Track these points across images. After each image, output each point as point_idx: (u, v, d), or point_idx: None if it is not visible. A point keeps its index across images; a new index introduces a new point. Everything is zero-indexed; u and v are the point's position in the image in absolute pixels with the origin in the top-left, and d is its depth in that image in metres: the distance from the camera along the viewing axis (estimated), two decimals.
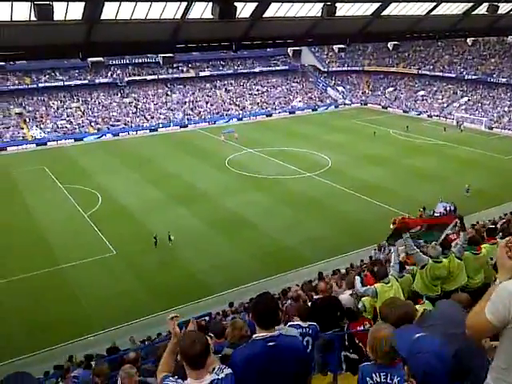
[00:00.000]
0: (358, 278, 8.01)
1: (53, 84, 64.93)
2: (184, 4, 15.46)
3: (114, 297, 23.83)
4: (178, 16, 15.99)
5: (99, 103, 66.34)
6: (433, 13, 22.08)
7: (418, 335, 2.77)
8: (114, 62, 68.39)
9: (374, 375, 3.40)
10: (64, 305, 23.19)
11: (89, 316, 22.57)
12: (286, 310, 10.09)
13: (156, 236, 28.86)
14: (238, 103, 72.26)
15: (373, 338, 3.29)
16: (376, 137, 55.34)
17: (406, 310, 3.53)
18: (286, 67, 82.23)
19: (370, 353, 3.32)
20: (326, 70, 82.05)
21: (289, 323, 6.33)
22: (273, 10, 17.76)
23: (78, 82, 66.73)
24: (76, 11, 14.02)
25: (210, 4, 14.97)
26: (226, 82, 76.57)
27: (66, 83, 65.64)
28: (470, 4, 22.28)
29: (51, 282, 25.28)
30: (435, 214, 28.51)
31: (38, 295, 23.99)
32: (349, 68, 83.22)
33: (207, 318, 16.00)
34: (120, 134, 60.46)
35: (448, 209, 30.77)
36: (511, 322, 2.38)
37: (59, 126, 60.24)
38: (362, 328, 7.38)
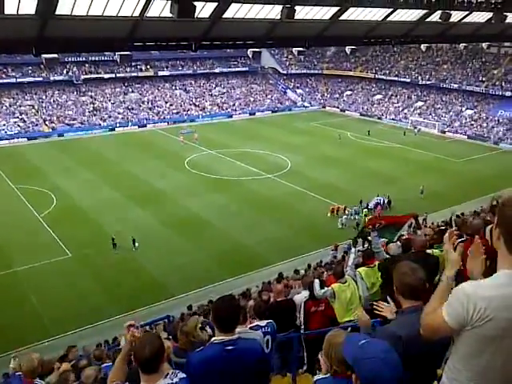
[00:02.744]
0: (317, 281, 8.06)
1: (5, 81, 62.49)
2: (143, 1, 15.20)
3: (70, 300, 23.15)
4: (137, 13, 15.70)
5: (54, 101, 64.37)
6: (389, 19, 22.62)
7: (363, 341, 2.75)
8: (69, 59, 66.46)
9: None
10: (16, 309, 22.35)
11: (43, 321, 21.81)
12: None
13: (114, 237, 28.25)
14: (197, 104, 71.79)
15: (329, 345, 3.20)
16: (340, 140, 55.98)
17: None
18: (246, 69, 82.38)
19: (325, 361, 3.24)
20: (285, 72, 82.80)
21: (248, 326, 6.30)
22: (233, 11, 17.71)
23: (32, 79, 64.55)
24: (29, 5, 13.52)
25: (169, 2, 14.76)
26: (185, 82, 75.94)
27: (18, 80, 63.36)
28: (425, 11, 22.97)
29: (3, 286, 24.28)
30: (369, 207, 33.56)
31: None
32: (308, 71, 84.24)
33: (166, 321, 15.75)
34: (76, 134, 58.82)
35: (382, 202, 34.56)
36: (468, 324, 2.38)
37: (12, 123, 58.02)
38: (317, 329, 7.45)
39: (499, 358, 2.43)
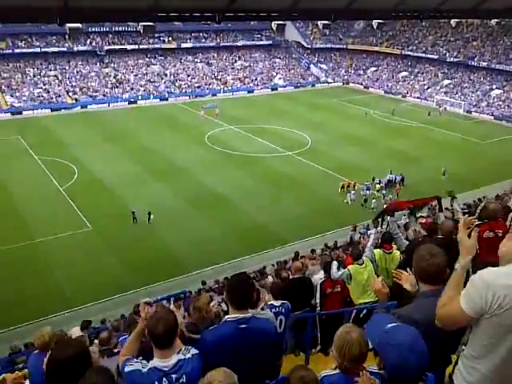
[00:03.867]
0: (334, 263, 8.00)
1: (29, 50, 62.97)
2: None
3: (90, 273, 23.60)
4: None
5: (77, 72, 64.69)
6: None
7: (390, 325, 2.69)
8: (93, 30, 66.55)
9: None
10: (38, 280, 22.91)
11: (63, 292, 22.34)
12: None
13: (134, 212, 28.56)
14: (219, 77, 71.34)
15: (343, 342, 3.11)
16: (367, 117, 55.24)
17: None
18: (270, 42, 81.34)
19: (336, 356, 3.15)
20: (309, 46, 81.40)
21: (261, 304, 6.28)
22: None
23: (56, 50, 64.88)
24: None
25: None
26: (208, 55, 75.41)
27: (43, 50, 63.77)
28: None
29: (25, 257, 24.87)
30: (381, 183, 34.11)
31: (10, 269, 23.59)
32: (332, 45, 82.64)
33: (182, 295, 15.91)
34: (98, 105, 59.18)
35: (394, 179, 34.74)
36: (487, 312, 2.36)
37: (35, 94, 58.60)
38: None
39: None
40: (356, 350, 2.82)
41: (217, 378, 2.56)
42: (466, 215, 3.00)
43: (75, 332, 10.08)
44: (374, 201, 31.40)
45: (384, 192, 33.12)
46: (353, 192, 32.67)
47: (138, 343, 3.59)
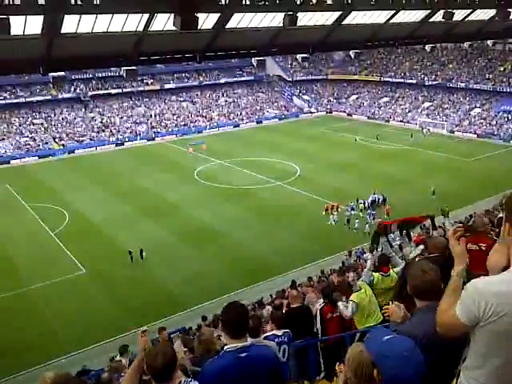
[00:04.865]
0: (341, 304, 7.86)
1: (14, 101, 63.40)
2: (146, 16, 15.36)
3: (86, 316, 23.22)
4: (140, 28, 15.89)
5: (63, 119, 65.10)
6: (392, 20, 22.63)
7: (387, 337, 2.72)
8: (76, 77, 67.39)
9: None
10: (32, 327, 22.48)
11: (59, 337, 21.91)
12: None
13: (131, 251, 28.41)
14: (204, 115, 72.17)
15: (357, 360, 3.14)
16: (356, 142, 56.16)
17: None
18: (252, 78, 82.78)
19: (351, 376, 3.16)
20: (290, 79, 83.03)
21: (263, 335, 6.26)
22: (235, 21, 17.85)
23: (41, 98, 65.39)
24: (35, 25, 13.73)
25: (172, 15, 14.90)
26: (191, 94, 76.42)
27: (27, 99, 64.20)
28: (427, 11, 22.94)
29: (18, 305, 24.46)
30: (366, 203, 35.21)
31: (4, 319, 23.07)
32: (313, 77, 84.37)
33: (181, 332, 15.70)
34: (86, 150, 59.38)
35: (377, 199, 36.00)
36: (482, 320, 2.37)
37: (22, 143, 58.74)
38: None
39: None
40: (370, 369, 2.85)
41: None
42: (454, 226, 3.07)
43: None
44: (357, 221, 32.21)
45: (371, 212, 33.68)
46: (335, 214, 33.48)
47: (137, 375, 3.54)
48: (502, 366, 2.44)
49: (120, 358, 9.77)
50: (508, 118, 60.14)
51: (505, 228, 2.46)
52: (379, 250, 9.23)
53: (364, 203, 35.32)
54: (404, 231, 9.79)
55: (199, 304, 23.61)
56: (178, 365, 3.21)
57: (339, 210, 34.35)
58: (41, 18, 13.53)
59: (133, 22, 15.59)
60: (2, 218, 36.24)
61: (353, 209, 34.45)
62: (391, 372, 2.58)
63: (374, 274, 8.19)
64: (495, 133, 58.53)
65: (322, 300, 8.27)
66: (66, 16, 13.80)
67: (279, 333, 6.05)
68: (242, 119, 72.77)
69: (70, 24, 14.35)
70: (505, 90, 62.85)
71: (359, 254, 23.45)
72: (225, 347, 3.45)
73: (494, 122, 60.53)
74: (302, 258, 27.68)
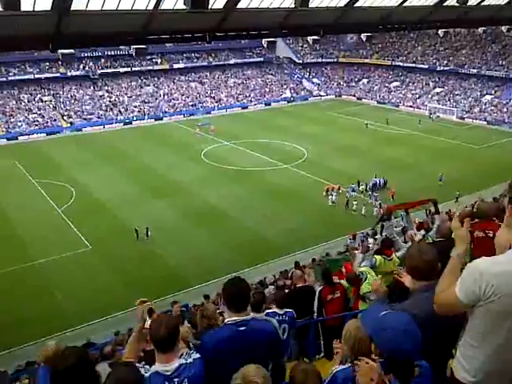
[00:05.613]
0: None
1: (23, 77, 63.30)
2: None
3: (91, 292, 23.58)
4: (151, 7, 15.76)
5: (71, 96, 65.04)
6: (405, 4, 22.29)
7: (384, 312, 2.78)
8: (85, 55, 67.16)
9: (356, 379, 3.21)
10: (39, 301, 22.83)
11: (65, 311, 22.29)
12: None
13: (137, 229, 28.66)
14: (213, 95, 71.81)
15: (354, 337, 3.22)
16: (362, 128, 55.46)
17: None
18: (261, 59, 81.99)
19: (347, 351, 3.24)
20: (300, 61, 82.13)
21: (266, 311, 6.38)
22: (246, 1, 17.66)
23: (49, 75, 65.25)
24: (45, 1, 13.68)
25: None
26: (200, 74, 75.94)
27: (36, 76, 64.11)
28: None
29: (25, 279, 24.84)
30: (367, 186, 36.02)
31: (11, 292, 23.54)
32: (323, 60, 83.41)
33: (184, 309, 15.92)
34: (93, 128, 59.43)
35: (378, 182, 36.49)
36: (482, 299, 2.43)
37: (30, 119, 58.89)
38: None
39: None
40: (368, 344, 2.92)
41: (252, 374, 2.51)
42: (464, 208, 3.08)
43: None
44: (355, 202, 32.86)
45: (373, 194, 34.42)
46: (334, 194, 34.06)
47: (139, 344, 3.60)
48: (500, 345, 2.50)
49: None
50: None
51: (508, 209, 2.50)
52: (384, 234, 9.29)
53: (366, 186, 36.10)
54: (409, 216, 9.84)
55: (203, 283, 23.86)
56: (180, 336, 3.28)
57: (340, 190, 34.94)
58: None
59: (143, 1, 15.47)
60: (10, 193, 36.60)
61: (354, 190, 35.15)
62: (388, 346, 2.65)
63: (376, 256, 8.25)
64: (506, 120, 57.85)
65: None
66: None
67: (280, 311, 6.16)
68: (251, 101, 72.34)
69: (80, 1, 14.28)
70: None
71: (362, 238, 23.49)
72: (225, 320, 3.53)
73: (505, 110, 59.77)
74: (306, 240, 27.79)
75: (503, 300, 2.38)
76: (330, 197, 33.99)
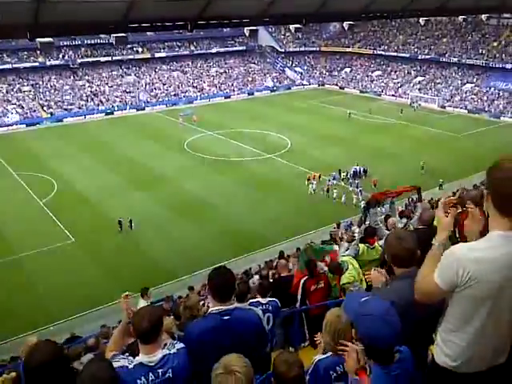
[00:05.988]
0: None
1: (1, 67, 61.97)
2: None
3: (74, 285, 23.37)
4: None
5: (51, 86, 63.90)
6: None
7: (364, 298, 2.82)
8: (65, 43, 65.90)
9: (337, 368, 3.32)
10: (21, 295, 22.59)
11: (48, 306, 22.08)
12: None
13: (120, 220, 28.45)
14: (195, 85, 71.23)
15: (335, 325, 3.24)
16: (345, 117, 55.61)
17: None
18: (244, 48, 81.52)
19: (329, 340, 3.27)
20: (283, 50, 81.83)
21: (249, 301, 6.38)
22: None
23: (28, 65, 63.99)
24: None
25: None
26: (182, 64, 75.23)
27: (14, 66, 62.81)
28: None
29: (7, 273, 24.50)
30: (348, 174, 36.83)
31: None
32: (306, 48, 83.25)
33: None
34: (74, 118, 58.56)
35: (359, 170, 37.25)
36: (459, 285, 2.45)
37: (9, 110, 57.73)
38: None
39: (491, 320, 2.50)
40: (348, 333, 2.95)
41: (234, 363, 2.49)
42: (450, 197, 3.12)
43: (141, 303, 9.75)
44: (335, 191, 33.46)
45: (354, 182, 35.34)
46: (314, 182, 34.61)
47: (123, 337, 3.61)
48: (478, 330, 2.53)
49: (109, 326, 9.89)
50: (499, 94, 60.15)
51: (486, 196, 2.53)
52: (367, 222, 9.33)
53: (347, 174, 36.78)
54: (393, 204, 9.91)
55: (188, 274, 23.82)
56: (163, 327, 3.29)
57: (320, 179, 35.50)
58: None
59: None
60: None
61: (334, 178, 35.81)
62: (367, 332, 2.69)
63: (359, 245, 8.29)
64: (486, 109, 58.61)
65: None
66: None
67: (263, 301, 6.16)
68: (234, 90, 71.96)
69: None
70: (497, 66, 62.66)
71: (346, 227, 23.68)
72: (209, 309, 3.53)
73: (485, 98, 60.54)
74: (290, 230, 27.90)
75: (480, 285, 2.41)
76: (310, 185, 34.46)
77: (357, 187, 34.10)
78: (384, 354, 2.75)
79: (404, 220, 9.01)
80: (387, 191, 9.83)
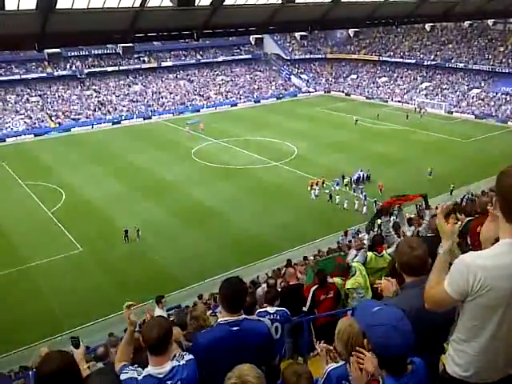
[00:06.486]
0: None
1: (9, 78, 62.63)
2: None
3: (83, 294, 23.42)
4: (137, 4, 15.64)
5: (59, 96, 64.49)
6: None
7: (376, 308, 2.79)
8: (72, 54, 66.60)
9: (350, 377, 3.16)
10: (31, 305, 22.66)
11: (57, 315, 22.12)
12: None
13: (127, 230, 28.50)
14: (202, 93, 71.59)
15: (347, 333, 3.21)
16: (351, 124, 55.53)
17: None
18: (249, 56, 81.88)
19: (342, 349, 3.24)
20: (288, 58, 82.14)
21: (257, 311, 6.34)
22: None
23: (36, 76, 64.63)
24: (29, 0, 13.51)
25: None
26: (189, 72, 75.69)
27: (23, 76, 63.45)
28: None
29: (16, 282, 24.64)
30: (351, 179, 36.76)
31: (3, 297, 23.30)
32: (311, 56, 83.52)
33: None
34: (82, 128, 58.99)
35: (362, 176, 37.23)
36: (470, 294, 2.43)
37: (18, 121, 58.27)
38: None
39: (503, 329, 2.47)
40: (361, 340, 2.92)
41: (247, 374, 2.48)
42: (445, 203, 3.12)
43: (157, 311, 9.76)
44: (337, 197, 33.35)
45: (358, 187, 35.26)
46: (317, 188, 34.70)
47: (130, 347, 3.59)
48: (490, 339, 2.50)
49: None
50: (506, 99, 59.88)
51: (494, 203, 2.50)
52: (375, 230, 9.27)
53: (350, 179, 36.72)
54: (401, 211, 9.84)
55: (195, 283, 23.80)
56: (173, 338, 3.26)
57: (324, 184, 35.69)
58: None
59: None
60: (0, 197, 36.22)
61: (338, 184, 35.81)
62: (380, 341, 2.67)
63: (368, 252, 8.24)
64: (493, 114, 58.35)
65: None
66: None
67: (271, 310, 6.12)
68: (240, 98, 72.24)
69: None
70: (504, 71, 62.43)
71: (354, 235, 23.60)
72: (218, 320, 3.53)
73: (492, 103, 60.29)
74: (298, 238, 27.81)
75: (491, 294, 2.38)
76: (312, 191, 34.54)
77: (361, 192, 34.09)
78: (397, 363, 2.72)
79: (412, 228, 8.93)
80: (396, 198, 9.73)
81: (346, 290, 7.74)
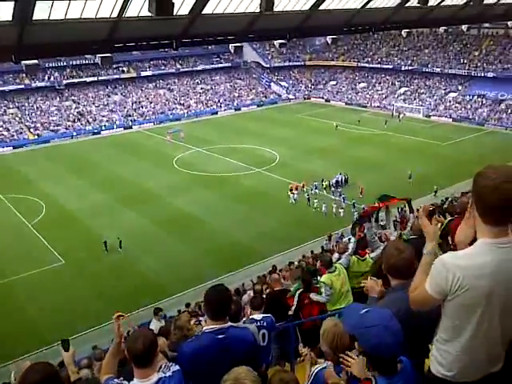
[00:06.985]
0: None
1: None
2: (120, 1, 15.07)
3: (65, 307, 23.06)
4: (115, 14, 15.57)
5: (37, 108, 63.70)
6: (368, 6, 22.65)
7: (364, 310, 2.82)
8: (50, 65, 65.71)
9: (337, 377, 3.27)
10: (12, 319, 22.19)
11: (39, 329, 21.72)
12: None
13: (106, 241, 28.17)
14: (182, 102, 71.47)
15: (332, 335, 3.24)
16: (332, 129, 55.96)
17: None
18: (229, 64, 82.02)
19: (327, 349, 3.26)
20: (268, 65, 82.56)
21: (243, 319, 6.33)
22: (212, 7, 17.64)
23: (13, 87, 63.71)
24: (5, 11, 13.36)
25: (147, 1, 14.65)
26: (169, 81, 75.51)
27: (0, 88, 62.54)
28: None
29: None
30: (330, 183, 37.42)
31: None
32: (291, 63, 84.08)
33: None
34: (61, 139, 58.30)
35: (341, 179, 37.91)
36: (449, 293, 2.46)
37: None
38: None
39: (483, 328, 2.51)
40: (346, 340, 2.95)
41: (244, 376, 2.44)
42: (425, 204, 3.17)
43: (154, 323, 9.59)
44: (315, 200, 33.91)
45: (337, 191, 36.09)
46: (295, 192, 35.05)
47: (115, 359, 3.54)
48: (470, 339, 2.54)
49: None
50: (482, 102, 61.12)
51: (472, 204, 2.56)
52: (357, 235, 9.32)
53: (329, 183, 37.36)
54: (388, 215, 9.93)
55: (180, 292, 23.63)
56: (158, 350, 3.21)
57: (304, 188, 36.05)
58: (11, 4, 13.16)
59: (107, 8, 15.26)
60: None
61: (316, 187, 36.33)
62: (371, 342, 2.69)
63: (351, 256, 8.29)
64: (470, 117, 59.46)
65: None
66: (37, 2, 13.44)
67: (258, 317, 6.12)
68: (220, 106, 72.29)
69: (42, 10, 14.00)
70: (479, 75, 63.75)
71: (338, 239, 23.71)
72: (203, 328, 3.51)
73: (469, 106, 61.45)
74: (282, 244, 27.85)
75: (469, 293, 2.42)
76: (291, 195, 34.87)
77: (339, 195, 34.70)
78: (389, 363, 2.77)
79: (395, 233, 9.03)
80: (381, 201, 9.76)
81: (319, 282, 7.78)
